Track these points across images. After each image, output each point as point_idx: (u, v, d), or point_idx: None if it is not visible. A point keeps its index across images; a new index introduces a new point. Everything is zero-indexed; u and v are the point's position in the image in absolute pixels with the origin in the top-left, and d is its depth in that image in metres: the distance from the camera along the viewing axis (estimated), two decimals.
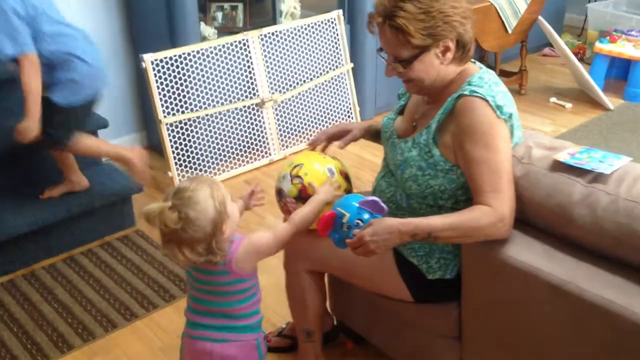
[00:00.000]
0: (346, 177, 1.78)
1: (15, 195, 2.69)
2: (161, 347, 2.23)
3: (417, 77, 1.60)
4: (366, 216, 1.53)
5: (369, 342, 2.07)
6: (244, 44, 3.24)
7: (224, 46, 3.16)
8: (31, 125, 2.35)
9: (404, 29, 1.52)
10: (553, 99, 4.13)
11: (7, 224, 2.53)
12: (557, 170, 1.48)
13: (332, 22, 3.58)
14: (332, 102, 3.70)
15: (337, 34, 3.60)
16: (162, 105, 3.03)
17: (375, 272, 1.75)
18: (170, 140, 3.09)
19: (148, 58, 2.94)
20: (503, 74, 4.29)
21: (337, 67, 3.65)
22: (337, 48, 3.63)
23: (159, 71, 2.99)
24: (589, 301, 1.33)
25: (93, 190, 2.77)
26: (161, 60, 2.98)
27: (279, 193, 1.73)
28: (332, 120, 3.72)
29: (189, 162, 3.20)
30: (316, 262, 1.83)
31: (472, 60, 1.70)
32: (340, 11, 3.57)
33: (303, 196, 1.69)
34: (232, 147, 3.34)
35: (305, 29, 3.48)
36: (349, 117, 3.76)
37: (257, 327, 1.65)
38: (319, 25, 3.53)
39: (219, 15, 3.41)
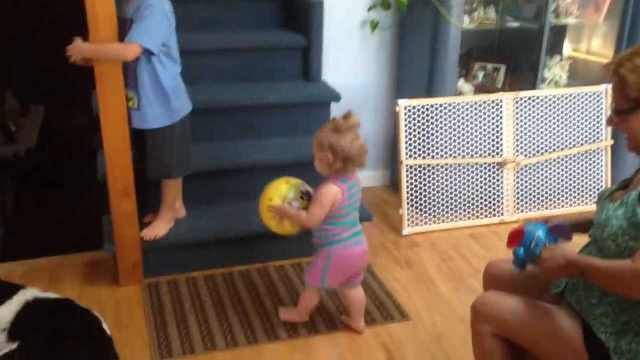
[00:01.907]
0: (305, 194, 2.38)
1: None
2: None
3: (629, 131, 1.61)
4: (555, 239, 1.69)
5: None
6: (497, 104, 3.32)
7: (477, 103, 3.29)
8: (85, 48, 2.36)
9: (624, 79, 1.56)
10: None
11: (252, 222, 2.96)
12: None
13: (598, 96, 3.47)
14: (581, 176, 3.56)
15: (602, 109, 3.47)
16: (406, 148, 3.26)
17: (559, 343, 1.69)
18: (407, 181, 3.30)
19: (402, 103, 3.20)
20: None
21: (593, 141, 3.51)
22: (597, 122, 3.49)
23: (410, 116, 3.23)
24: None
25: None
26: (414, 107, 3.22)
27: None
28: (576, 195, 3.57)
29: (420, 204, 3.36)
30: (499, 325, 1.79)
31: None
32: (609, 86, 3.43)
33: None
34: (464, 200, 3.42)
35: (566, 98, 3.43)
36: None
37: None
38: (582, 97, 3.45)
39: (480, 74, 3.55)
